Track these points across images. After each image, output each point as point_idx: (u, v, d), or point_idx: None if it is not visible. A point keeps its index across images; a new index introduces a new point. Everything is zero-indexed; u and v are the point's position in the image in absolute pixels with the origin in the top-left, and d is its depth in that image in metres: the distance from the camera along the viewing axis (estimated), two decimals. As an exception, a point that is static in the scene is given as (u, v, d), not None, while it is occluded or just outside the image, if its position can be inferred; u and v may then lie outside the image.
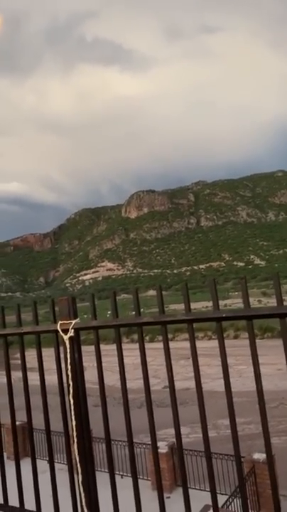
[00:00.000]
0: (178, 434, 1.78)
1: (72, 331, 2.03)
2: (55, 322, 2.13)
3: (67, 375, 2.00)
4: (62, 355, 2.19)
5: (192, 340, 1.73)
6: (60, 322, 2.09)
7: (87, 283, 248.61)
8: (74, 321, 2.05)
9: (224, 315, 1.58)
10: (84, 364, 3.08)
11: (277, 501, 1.58)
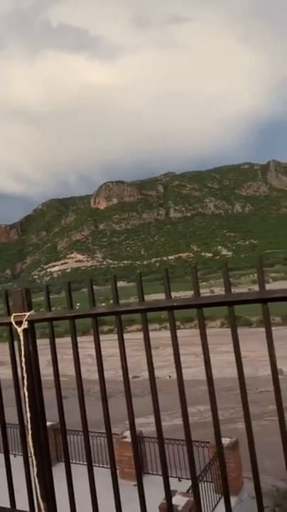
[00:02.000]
0: (132, 423, 1.80)
1: (26, 323, 2.00)
2: (9, 314, 2.08)
3: (22, 368, 1.97)
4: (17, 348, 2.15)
5: (146, 330, 1.74)
6: (13, 314, 2.04)
7: (55, 275, 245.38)
8: (28, 313, 2.01)
9: (175, 304, 1.60)
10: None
11: (226, 488, 1.63)
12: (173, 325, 1.67)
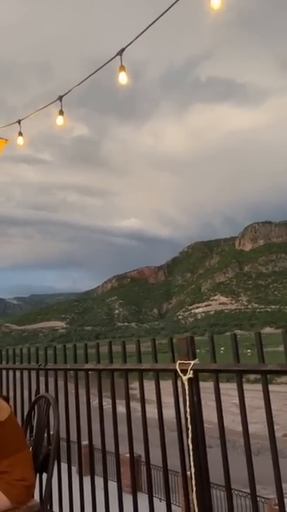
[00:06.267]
0: (279, 488, 1.59)
1: (191, 372, 2.01)
2: (174, 361, 2.14)
3: (186, 418, 1.97)
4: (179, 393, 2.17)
5: None
6: (178, 362, 2.08)
7: (198, 316, 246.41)
8: (193, 362, 2.03)
9: None
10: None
11: None
12: None
